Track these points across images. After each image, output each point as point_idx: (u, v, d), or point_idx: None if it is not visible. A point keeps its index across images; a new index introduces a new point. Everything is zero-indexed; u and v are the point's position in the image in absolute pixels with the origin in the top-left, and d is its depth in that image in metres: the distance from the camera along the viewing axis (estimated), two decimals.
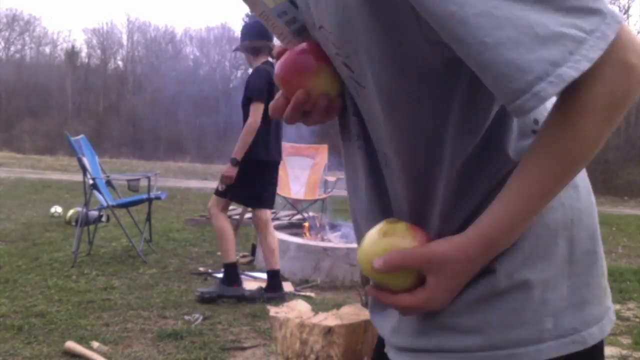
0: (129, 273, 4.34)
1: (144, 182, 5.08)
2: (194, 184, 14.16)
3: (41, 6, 54.82)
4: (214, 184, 15.28)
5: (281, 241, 4.55)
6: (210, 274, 4.43)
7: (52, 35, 40.40)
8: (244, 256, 5.19)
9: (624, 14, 25.21)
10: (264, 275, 4.43)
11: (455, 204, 0.70)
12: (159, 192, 5.21)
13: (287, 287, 4.17)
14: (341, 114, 0.81)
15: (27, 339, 2.85)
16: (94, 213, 5.58)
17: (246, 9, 43.04)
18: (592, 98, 0.59)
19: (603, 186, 20.73)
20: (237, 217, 7.39)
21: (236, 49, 4.15)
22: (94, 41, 38.70)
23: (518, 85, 0.55)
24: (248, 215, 7.54)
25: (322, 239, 5.04)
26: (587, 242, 0.72)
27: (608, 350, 3.19)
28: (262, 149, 3.74)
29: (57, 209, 7.36)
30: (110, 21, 46.50)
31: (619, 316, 3.99)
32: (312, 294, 4.06)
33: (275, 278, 3.84)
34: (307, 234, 5.17)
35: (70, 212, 6.88)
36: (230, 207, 8.26)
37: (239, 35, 4.05)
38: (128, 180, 5.03)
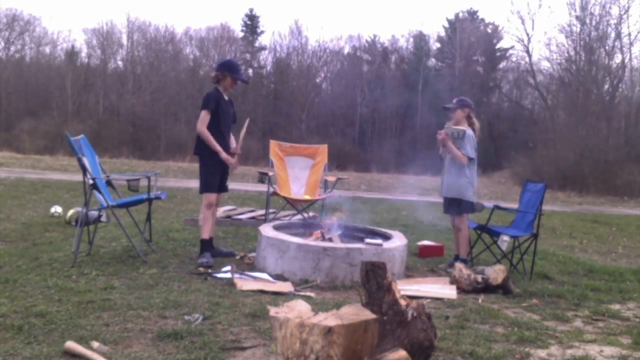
0: (129, 273, 4.34)
1: (144, 182, 5.07)
2: (194, 184, 14.15)
3: (41, 6, 54.69)
4: None
5: (281, 241, 4.55)
6: (210, 274, 4.43)
7: (52, 35, 40.23)
8: (243, 256, 5.19)
9: (624, 14, 25.18)
10: (265, 276, 4.44)
11: None
12: (159, 192, 5.20)
13: (287, 287, 4.18)
14: None
15: (27, 339, 2.85)
16: (94, 213, 5.58)
17: (245, 9, 42.89)
18: None
19: (603, 186, 20.73)
20: (238, 216, 7.41)
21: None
22: (94, 41, 38.64)
23: None
24: (248, 215, 7.56)
25: (324, 239, 5.04)
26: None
27: (608, 350, 3.19)
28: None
29: (57, 209, 7.36)
30: (110, 21, 46.41)
31: (619, 316, 3.99)
32: (312, 294, 4.06)
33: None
34: (319, 235, 5.17)
35: (70, 212, 6.88)
36: (230, 207, 8.28)
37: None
38: (128, 180, 5.02)
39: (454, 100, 5.50)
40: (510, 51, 36.74)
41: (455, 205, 5.37)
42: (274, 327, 2.33)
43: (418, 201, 13.63)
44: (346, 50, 40.50)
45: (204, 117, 4.99)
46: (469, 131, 5.34)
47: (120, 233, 5.57)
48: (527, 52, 32.13)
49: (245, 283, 4.16)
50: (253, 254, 5.10)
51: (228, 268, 4.64)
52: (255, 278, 4.35)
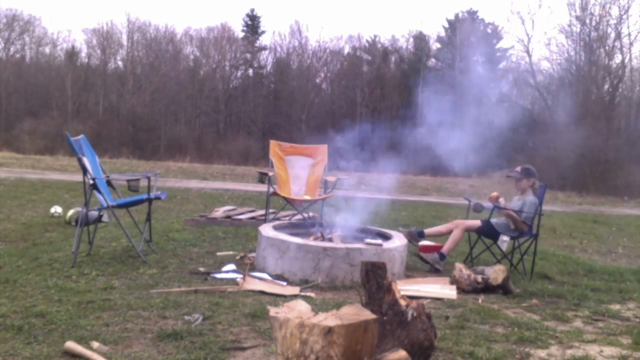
0: (129, 273, 4.34)
1: (144, 182, 5.07)
2: (194, 184, 14.16)
3: (41, 6, 54.71)
4: (213, 184, 15.19)
5: (281, 241, 4.55)
6: (210, 274, 4.43)
7: (52, 35, 40.13)
8: (243, 256, 5.19)
9: (624, 14, 25.19)
10: (266, 276, 4.44)
11: None
12: (159, 192, 5.20)
13: (294, 291, 4.18)
14: None
15: (27, 339, 2.85)
16: (94, 213, 5.58)
17: (246, 9, 42.85)
18: None
19: (603, 186, 20.73)
20: (238, 217, 7.40)
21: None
22: (94, 41, 38.63)
23: None
24: (248, 215, 7.56)
25: (323, 239, 5.04)
26: None
27: (608, 351, 3.19)
28: None
29: (57, 209, 7.36)
30: (110, 21, 46.37)
31: (619, 316, 3.99)
32: (312, 294, 4.06)
33: None
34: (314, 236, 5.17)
35: (70, 212, 6.88)
36: (230, 207, 8.27)
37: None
38: (128, 180, 5.02)
39: (518, 169, 5.44)
40: (510, 51, 36.72)
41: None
42: (274, 327, 2.33)
43: (418, 201, 13.63)
44: (346, 50, 40.50)
45: None
46: (532, 198, 5.30)
47: (120, 233, 5.57)
48: (527, 52, 32.11)
49: (250, 283, 4.16)
50: (253, 254, 5.10)
51: (228, 268, 4.64)
52: (260, 278, 4.35)
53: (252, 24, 40.74)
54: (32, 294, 3.64)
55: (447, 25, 39.21)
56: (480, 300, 4.19)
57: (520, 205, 5.30)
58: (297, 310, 2.36)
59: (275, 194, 6.43)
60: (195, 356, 2.72)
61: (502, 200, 5.47)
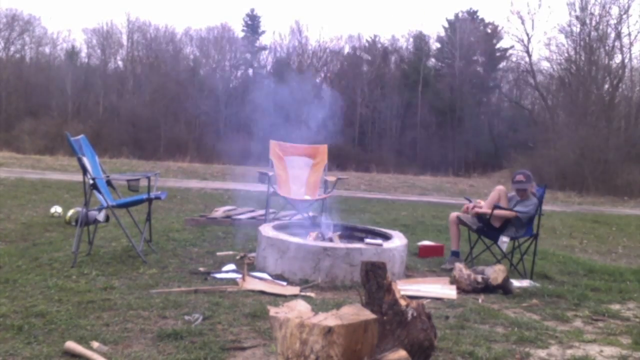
0: (129, 273, 4.34)
1: (144, 182, 5.07)
2: (194, 184, 14.16)
3: (41, 6, 54.82)
4: (213, 184, 15.21)
5: (281, 241, 4.55)
6: (210, 274, 4.43)
7: (52, 35, 40.19)
8: (243, 256, 5.19)
9: (624, 14, 25.19)
10: (266, 276, 4.44)
11: None
12: (159, 192, 5.20)
13: (294, 290, 4.18)
14: None
15: (27, 339, 2.85)
16: (94, 213, 5.58)
17: (246, 9, 42.83)
18: None
19: (603, 186, 20.71)
20: (238, 217, 7.40)
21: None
22: (94, 41, 38.68)
23: None
24: (248, 215, 7.55)
25: (323, 239, 5.04)
26: None
27: (608, 350, 3.19)
28: None
29: (57, 209, 7.36)
30: (110, 21, 46.41)
31: (619, 316, 3.99)
32: (312, 294, 4.06)
33: None
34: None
35: (70, 212, 6.88)
36: (230, 207, 8.27)
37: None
38: (128, 180, 5.02)
39: (523, 178, 5.39)
40: (510, 51, 36.73)
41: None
42: (274, 327, 2.33)
43: (418, 201, 13.63)
44: (346, 50, 40.55)
45: None
46: (533, 200, 5.35)
47: (120, 233, 5.57)
48: (527, 52, 32.14)
49: (250, 283, 4.16)
50: (253, 254, 5.10)
51: (228, 268, 4.64)
52: (260, 278, 4.35)
53: (252, 24, 40.78)
54: (32, 294, 3.64)
55: (447, 25, 39.24)
56: (480, 300, 4.19)
57: (514, 204, 5.37)
58: (297, 310, 2.36)
59: (275, 194, 6.43)
60: (195, 356, 2.72)
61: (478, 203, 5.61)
